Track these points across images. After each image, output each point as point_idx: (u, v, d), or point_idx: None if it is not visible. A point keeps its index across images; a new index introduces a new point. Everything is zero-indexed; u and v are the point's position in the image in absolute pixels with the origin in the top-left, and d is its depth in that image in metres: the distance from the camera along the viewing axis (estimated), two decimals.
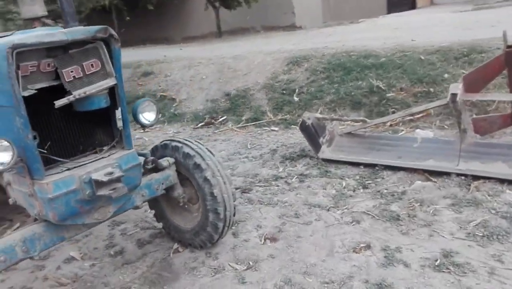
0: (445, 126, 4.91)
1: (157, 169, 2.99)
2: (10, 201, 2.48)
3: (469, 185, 3.58)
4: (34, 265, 3.28)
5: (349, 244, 3.07)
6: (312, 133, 4.59)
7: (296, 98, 6.42)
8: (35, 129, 2.19)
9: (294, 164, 4.71)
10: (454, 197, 3.48)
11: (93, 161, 2.41)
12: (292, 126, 5.89)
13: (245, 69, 7.61)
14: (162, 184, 2.94)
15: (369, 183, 3.99)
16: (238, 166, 4.86)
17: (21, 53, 2.01)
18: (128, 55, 11.61)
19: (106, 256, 3.33)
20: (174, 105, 7.48)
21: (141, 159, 2.92)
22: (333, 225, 3.37)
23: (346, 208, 3.60)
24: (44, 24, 3.19)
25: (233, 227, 3.45)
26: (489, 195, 3.40)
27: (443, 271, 2.62)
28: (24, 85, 2.06)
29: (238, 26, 16.85)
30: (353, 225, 3.33)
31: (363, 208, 3.54)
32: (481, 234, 2.92)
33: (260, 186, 4.25)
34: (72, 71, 2.19)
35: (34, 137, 2.14)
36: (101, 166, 2.36)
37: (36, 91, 2.12)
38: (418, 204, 3.48)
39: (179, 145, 3.00)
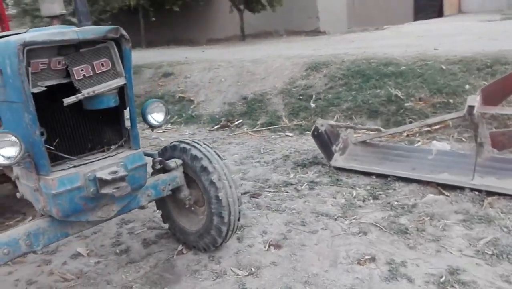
0: (463, 139, 4.79)
1: (164, 169, 3.02)
2: (18, 195, 2.54)
3: (483, 201, 3.47)
4: (42, 259, 3.34)
5: (354, 255, 3.02)
6: (325, 141, 4.55)
7: (312, 105, 6.38)
8: (44, 125, 2.24)
9: (306, 170, 4.68)
10: (466, 212, 3.38)
11: (100, 159, 2.45)
12: (307, 132, 5.83)
13: (263, 73, 7.61)
14: (169, 185, 2.96)
15: (380, 194, 3.92)
16: (249, 170, 4.85)
17: (32, 50, 2.06)
18: (152, 55, 11.81)
19: (111, 254, 3.37)
20: (192, 106, 7.54)
21: (149, 159, 2.96)
22: (339, 235, 3.32)
23: (354, 218, 3.54)
24: (63, 23, 3.27)
25: (238, 232, 3.44)
26: (502, 212, 3.29)
27: None
28: (34, 82, 2.11)
29: (262, 29, 16.88)
30: (359, 236, 3.28)
31: (372, 219, 3.48)
32: (490, 252, 2.83)
33: (270, 192, 4.23)
34: (82, 70, 2.23)
35: (42, 134, 2.19)
36: (106, 164, 2.39)
37: (46, 88, 2.16)
38: (428, 217, 3.40)
39: (188, 146, 3.02)
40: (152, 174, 3.10)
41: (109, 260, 3.29)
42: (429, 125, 4.83)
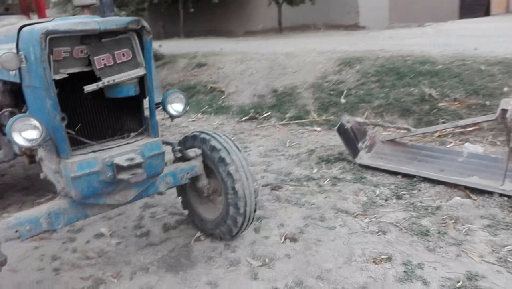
0: (497, 143, 4.59)
1: (184, 158, 3.07)
2: (42, 176, 2.66)
3: (511, 207, 3.32)
4: (67, 236, 3.50)
5: (370, 254, 2.98)
6: (351, 137, 4.48)
7: (343, 100, 6.28)
8: (66, 111, 2.33)
9: (330, 166, 4.63)
10: (493, 218, 3.25)
11: (119, 146, 2.51)
12: (335, 128, 5.74)
13: (295, 67, 7.56)
14: (187, 173, 3.01)
15: (404, 194, 3.83)
16: (273, 163, 4.85)
17: (55, 39, 2.13)
18: (188, 45, 12.00)
19: (132, 236, 3.47)
20: (222, 97, 7.61)
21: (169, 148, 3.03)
22: (357, 232, 3.28)
23: (374, 217, 3.48)
24: (94, 13, 3.37)
25: (256, 223, 3.46)
26: None
27: None
28: (56, 69, 2.19)
29: (300, 23, 16.76)
30: (378, 235, 3.22)
31: (392, 219, 3.41)
32: None
33: (291, 185, 4.22)
34: (103, 59, 2.29)
35: (63, 119, 2.27)
36: (125, 151, 2.45)
37: (67, 76, 2.24)
38: (452, 221, 3.29)
39: (207, 137, 3.05)
40: (174, 162, 3.16)
41: (129, 241, 3.40)
42: (462, 127, 4.66)
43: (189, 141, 3.18)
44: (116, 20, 2.32)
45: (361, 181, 4.17)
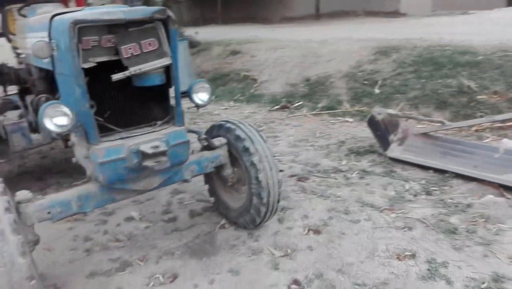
0: None
1: (210, 147, 3.12)
2: (73, 160, 2.77)
3: None
4: (99, 219, 3.65)
5: (393, 249, 2.93)
6: (381, 130, 4.39)
7: (377, 90, 6.14)
8: (96, 99, 2.41)
9: (359, 158, 4.56)
10: None
11: (145, 134, 2.58)
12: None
13: (329, 55, 7.44)
14: (212, 162, 3.07)
15: (434, 190, 3.73)
16: (301, 153, 4.83)
17: (83, 28, 2.20)
18: (225, 32, 12.04)
19: (160, 221, 3.58)
20: (254, 86, 7.62)
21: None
22: (381, 227, 3.23)
23: (401, 212, 3.42)
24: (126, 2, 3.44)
25: (280, 213, 3.48)
26: None
27: None
28: (85, 58, 2.26)
29: (339, 9, 16.36)
30: (403, 231, 3.16)
31: (419, 215, 3.33)
32: None
33: (318, 177, 4.20)
34: (130, 48, 2.34)
35: (92, 106, 2.36)
36: (150, 139, 2.51)
37: (96, 64, 2.31)
38: (483, 219, 3.18)
39: (232, 126, 3.08)
40: (201, 151, 3.22)
41: (157, 226, 3.51)
42: (501, 122, 4.46)
43: (215, 130, 3.22)
44: (142, 10, 2.37)
45: (391, 175, 4.09)
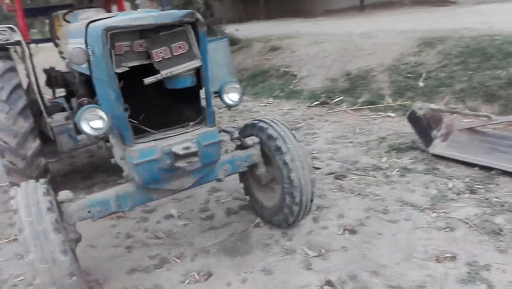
0: None
1: (243, 146, 3.14)
2: (112, 161, 2.89)
3: None
4: (141, 216, 3.79)
5: (432, 251, 2.83)
6: (423, 125, 4.22)
7: (421, 84, 5.91)
8: (130, 102, 2.49)
9: (400, 155, 4.42)
10: None
11: (177, 135, 2.64)
12: None
13: (371, 48, 7.24)
14: (245, 161, 3.08)
15: (479, 188, 3.54)
16: (340, 150, 4.75)
17: (116, 34, 2.28)
18: (266, 28, 12.02)
19: (197, 219, 3.66)
20: (294, 82, 7.56)
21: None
22: (421, 228, 3.12)
23: (443, 212, 3.28)
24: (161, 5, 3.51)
25: (315, 212, 3.45)
26: None
27: None
28: (118, 63, 2.35)
29: None
30: (444, 231, 3.04)
31: (462, 215, 3.19)
32: None
33: (356, 174, 4.11)
34: (161, 52, 2.40)
35: (126, 110, 2.44)
36: (182, 140, 2.57)
37: (128, 69, 2.39)
38: None
39: (265, 125, 3.09)
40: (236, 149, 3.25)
41: (195, 223, 3.59)
42: None
43: (248, 129, 3.24)
44: (171, 14, 2.41)
45: (433, 172, 3.93)
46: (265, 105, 7.13)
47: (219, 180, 3.03)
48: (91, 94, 3.16)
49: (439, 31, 6.80)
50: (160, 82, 2.49)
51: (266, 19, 17.53)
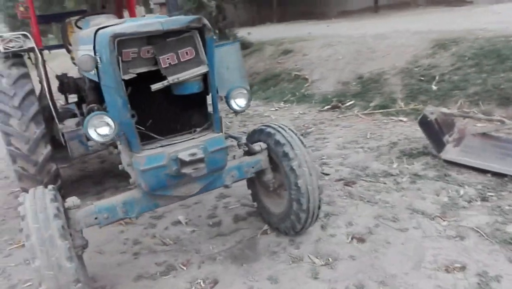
0: None
1: (250, 152, 3.13)
2: (120, 167, 2.90)
3: None
4: (149, 222, 3.81)
5: (442, 261, 2.77)
6: (435, 130, 4.15)
7: (434, 87, 5.82)
8: (137, 108, 2.49)
9: (412, 161, 4.35)
10: None
11: (184, 141, 2.64)
12: None
13: (384, 50, 7.16)
14: (253, 167, 3.07)
15: (491, 195, 3.46)
16: (350, 156, 4.70)
17: (123, 40, 2.29)
18: (278, 31, 12.02)
19: (205, 225, 3.66)
20: (305, 85, 7.52)
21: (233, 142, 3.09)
22: (431, 236, 3.06)
23: (453, 220, 3.22)
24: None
25: (323, 220, 3.42)
26: None
27: None
28: (125, 69, 2.36)
29: (399, 0, 15.69)
30: (454, 240, 2.98)
31: (474, 223, 3.12)
32: None
33: (366, 181, 4.06)
34: (168, 58, 2.40)
35: (133, 116, 2.45)
36: (189, 146, 2.56)
37: (136, 75, 2.40)
38: None
39: (272, 131, 3.07)
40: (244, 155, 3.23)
41: (202, 230, 3.59)
42: None
43: (256, 135, 3.22)
44: (178, 20, 2.41)
45: (445, 179, 3.86)
46: (276, 109, 7.11)
47: (226, 186, 3.02)
48: (100, 100, 3.18)
49: (453, 32, 6.69)
50: (167, 88, 2.49)
51: (279, 22, 17.51)
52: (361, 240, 3.14)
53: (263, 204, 3.45)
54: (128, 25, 2.38)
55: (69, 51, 4.74)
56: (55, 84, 4.59)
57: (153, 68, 2.45)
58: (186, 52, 2.46)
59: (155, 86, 2.42)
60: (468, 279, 2.56)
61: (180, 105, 2.75)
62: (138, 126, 2.52)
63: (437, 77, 5.91)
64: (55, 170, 3.97)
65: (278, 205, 3.29)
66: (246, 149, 3.18)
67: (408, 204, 3.53)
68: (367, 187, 3.95)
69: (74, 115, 4.30)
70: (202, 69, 2.51)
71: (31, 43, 3.97)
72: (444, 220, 3.23)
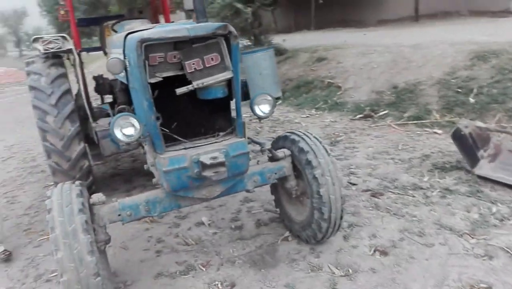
0: None
1: (274, 158, 3.13)
2: (145, 167, 2.98)
3: None
4: (173, 222, 3.87)
5: (467, 280, 2.66)
6: (469, 145, 4.00)
7: (471, 100, 5.61)
8: (163, 111, 2.56)
9: (443, 175, 4.21)
10: None
11: (207, 144, 2.68)
12: None
13: (421, 60, 6.98)
14: (275, 173, 3.06)
15: None
16: (379, 167, 4.60)
17: (150, 45, 2.37)
18: (314, 38, 11.98)
19: (227, 228, 3.68)
20: (338, 93, 7.44)
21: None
22: (458, 254, 2.95)
23: (483, 238, 3.08)
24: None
25: (347, 230, 3.37)
26: None
27: None
28: (152, 73, 2.43)
29: (441, 9, 15.28)
30: (482, 259, 2.85)
31: (504, 243, 2.98)
32: None
33: (394, 193, 3.96)
34: (193, 64, 2.46)
35: (158, 118, 2.51)
36: (211, 149, 2.60)
37: (162, 79, 2.47)
38: None
39: (297, 138, 3.06)
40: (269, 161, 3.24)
41: (224, 233, 3.61)
42: None
43: (281, 141, 3.22)
44: (205, 27, 2.46)
45: (477, 195, 3.71)
46: (307, 116, 7.06)
47: (248, 191, 3.02)
48: (129, 102, 3.28)
49: (495, 44, 6.45)
50: (192, 93, 2.55)
51: (317, 29, 17.43)
52: (384, 253, 3.07)
53: (285, 210, 3.44)
54: (156, 30, 2.46)
55: (106, 53, 4.92)
56: (92, 85, 4.76)
57: (179, 73, 2.52)
58: (212, 58, 2.51)
59: (180, 90, 2.48)
60: None
61: (204, 109, 2.80)
62: (162, 128, 2.58)
63: (475, 90, 5.70)
64: (87, 166, 4.11)
65: (300, 213, 3.27)
66: (270, 155, 3.19)
67: (436, 219, 3.42)
68: (394, 199, 3.85)
69: (108, 115, 4.45)
70: (227, 75, 2.55)
71: (69, 45, 4.14)
72: (472, 238, 3.11)
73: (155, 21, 5.26)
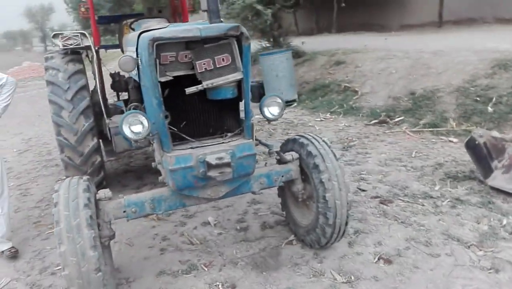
0: None
1: (281, 161, 3.13)
2: (153, 165, 3.02)
3: None
4: (180, 220, 3.91)
5: None
6: (483, 154, 3.91)
7: (490, 109, 5.49)
8: (172, 110, 2.58)
9: (455, 184, 4.12)
10: None
11: (214, 144, 2.69)
12: None
13: (440, 67, 6.86)
14: (282, 176, 3.05)
15: None
16: (391, 174, 4.54)
17: (162, 44, 2.39)
18: (334, 41, 11.89)
19: (232, 229, 3.69)
20: (354, 98, 7.37)
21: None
22: (464, 265, 2.88)
23: (491, 251, 3.01)
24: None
25: (352, 236, 3.34)
26: None
27: None
28: (162, 72, 2.46)
29: (465, 16, 14.96)
30: (488, 272, 2.78)
31: None
32: None
33: (403, 201, 3.90)
34: (204, 64, 2.47)
35: (166, 117, 2.54)
36: (218, 150, 2.61)
37: (172, 78, 2.49)
38: None
39: (305, 142, 3.05)
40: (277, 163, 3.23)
41: (229, 234, 3.62)
42: None
43: (289, 144, 3.22)
44: (217, 27, 2.47)
45: (488, 206, 3.62)
46: (321, 120, 7.02)
47: (253, 192, 3.02)
48: (141, 99, 3.33)
49: None
50: (202, 93, 2.57)
51: (338, 32, 17.31)
52: (388, 261, 3.03)
53: (291, 214, 3.42)
54: (168, 30, 2.48)
55: (123, 51, 5.00)
56: (110, 82, 4.85)
57: (190, 73, 2.53)
58: (223, 59, 2.51)
59: (189, 90, 2.50)
60: None
61: (213, 109, 2.82)
62: (171, 127, 2.61)
63: (494, 99, 5.57)
64: (99, 162, 4.19)
65: (306, 217, 3.25)
66: (278, 157, 3.19)
67: (444, 229, 3.35)
68: (403, 207, 3.79)
69: (122, 112, 4.52)
70: (237, 76, 2.55)
71: (88, 42, 4.22)
72: (480, 250, 3.04)
73: (174, 20, 5.32)
